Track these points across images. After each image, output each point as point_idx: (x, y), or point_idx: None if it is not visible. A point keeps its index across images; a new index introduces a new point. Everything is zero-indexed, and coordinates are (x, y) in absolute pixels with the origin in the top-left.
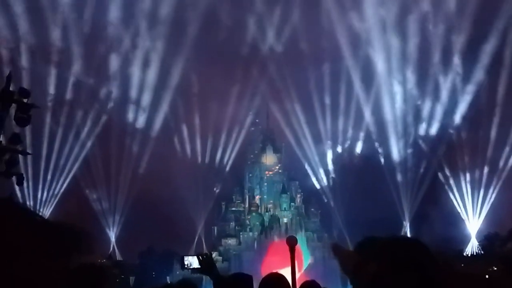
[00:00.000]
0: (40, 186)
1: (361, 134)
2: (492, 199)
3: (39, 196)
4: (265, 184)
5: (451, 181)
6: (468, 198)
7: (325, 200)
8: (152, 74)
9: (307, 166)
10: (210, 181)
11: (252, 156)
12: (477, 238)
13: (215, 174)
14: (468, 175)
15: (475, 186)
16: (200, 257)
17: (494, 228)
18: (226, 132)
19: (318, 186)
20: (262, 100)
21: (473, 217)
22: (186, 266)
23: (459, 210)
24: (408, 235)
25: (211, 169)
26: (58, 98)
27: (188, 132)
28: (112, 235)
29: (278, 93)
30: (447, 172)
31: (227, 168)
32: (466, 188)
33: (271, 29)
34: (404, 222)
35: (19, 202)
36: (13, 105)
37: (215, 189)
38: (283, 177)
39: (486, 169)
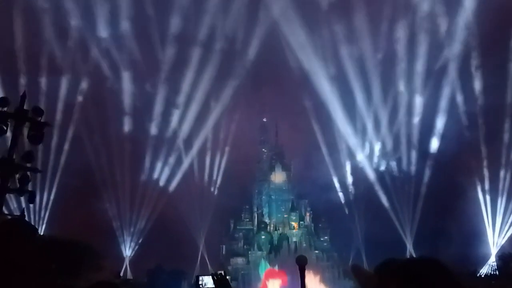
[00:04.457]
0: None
1: (375, 149)
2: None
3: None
4: (274, 202)
5: (469, 196)
6: (488, 213)
7: (339, 216)
8: (157, 90)
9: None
10: (207, 197)
11: (260, 173)
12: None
13: (220, 190)
14: (478, 191)
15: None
16: (215, 277)
17: None
18: (228, 149)
19: (329, 204)
20: (270, 118)
21: (492, 234)
22: (200, 286)
23: (480, 226)
24: (413, 252)
25: (209, 185)
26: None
27: (195, 149)
28: (128, 253)
29: (288, 110)
30: (464, 187)
31: (217, 185)
32: (484, 204)
33: (280, 46)
34: (406, 241)
35: (28, 221)
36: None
37: (215, 193)
38: (292, 195)
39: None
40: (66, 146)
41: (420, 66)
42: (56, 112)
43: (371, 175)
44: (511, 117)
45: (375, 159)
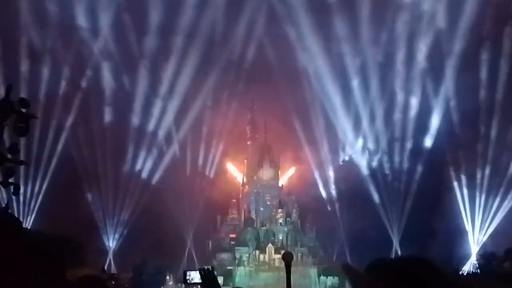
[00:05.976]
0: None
1: (363, 146)
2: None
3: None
4: (261, 198)
5: (452, 194)
6: (468, 213)
7: (325, 213)
8: (141, 82)
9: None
10: (196, 191)
11: (248, 169)
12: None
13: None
14: (464, 190)
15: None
16: (202, 272)
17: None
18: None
19: (316, 201)
20: (260, 114)
21: (472, 232)
22: (187, 281)
23: (462, 224)
24: (399, 249)
25: (196, 179)
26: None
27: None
28: (110, 248)
29: (277, 107)
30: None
31: (205, 180)
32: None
33: (272, 44)
34: (393, 237)
35: (12, 214)
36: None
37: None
38: (279, 191)
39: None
40: (48, 138)
41: (405, 66)
42: (38, 104)
43: (358, 173)
44: (497, 116)
45: (363, 157)
